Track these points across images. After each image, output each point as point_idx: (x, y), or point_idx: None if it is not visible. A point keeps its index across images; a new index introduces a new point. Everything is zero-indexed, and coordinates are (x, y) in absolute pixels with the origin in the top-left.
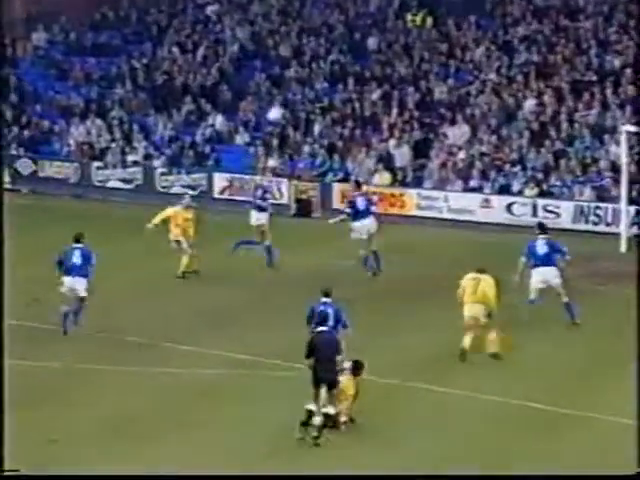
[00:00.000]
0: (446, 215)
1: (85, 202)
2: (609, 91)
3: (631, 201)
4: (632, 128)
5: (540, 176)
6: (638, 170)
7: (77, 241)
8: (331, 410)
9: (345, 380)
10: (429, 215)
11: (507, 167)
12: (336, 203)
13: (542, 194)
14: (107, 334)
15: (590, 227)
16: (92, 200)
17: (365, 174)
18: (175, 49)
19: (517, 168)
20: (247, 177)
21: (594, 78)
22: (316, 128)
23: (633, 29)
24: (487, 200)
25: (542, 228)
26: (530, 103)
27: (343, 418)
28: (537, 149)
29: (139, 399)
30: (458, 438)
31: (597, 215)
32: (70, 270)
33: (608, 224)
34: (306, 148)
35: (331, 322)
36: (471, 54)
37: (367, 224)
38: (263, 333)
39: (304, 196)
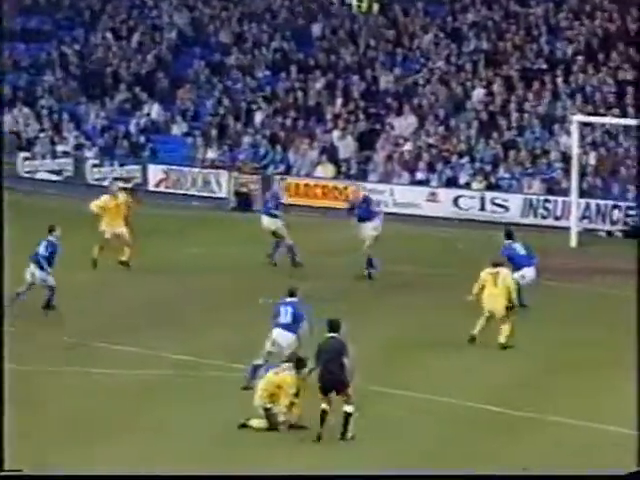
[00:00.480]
0: (392, 209)
1: (12, 194)
2: (560, 80)
3: (581, 194)
4: (583, 118)
5: (488, 168)
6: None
7: (50, 232)
8: (349, 408)
9: (287, 377)
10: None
11: (455, 159)
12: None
13: (490, 187)
14: (44, 333)
15: (539, 221)
16: (19, 192)
17: (308, 166)
18: (109, 35)
19: (465, 160)
20: (185, 169)
21: (544, 66)
22: (257, 118)
23: (584, 14)
24: (434, 193)
25: (509, 235)
26: (479, 92)
27: (282, 417)
28: (486, 140)
29: (82, 401)
30: (416, 440)
31: (546, 208)
32: (36, 260)
33: (557, 218)
34: (247, 139)
35: (284, 319)
36: (419, 41)
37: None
38: (205, 332)
39: (244, 189)
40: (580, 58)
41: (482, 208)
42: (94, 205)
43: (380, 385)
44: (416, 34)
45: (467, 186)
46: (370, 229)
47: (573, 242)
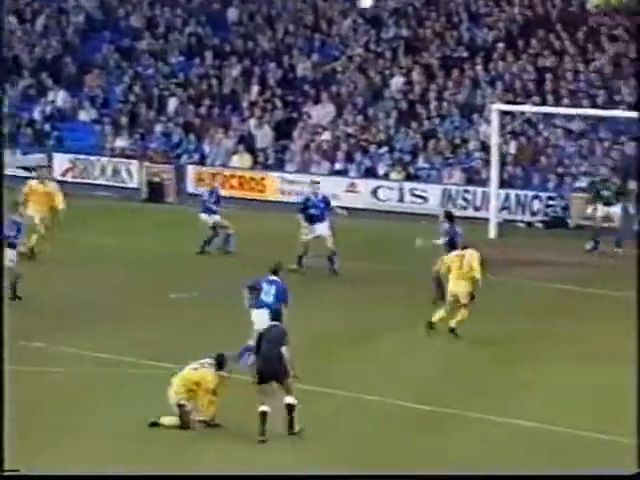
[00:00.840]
0: None
1: None
2: (479, 67)
3: (501, 184)
4: (503, 106)
5: (407, 158)
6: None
7: None
8: (291, 400)
9: (207, 374)
10: (292, 200)
11: (373, 149)
12: (191, 187)
13: (409, 177)
14: None
15: (458, 212)
16: None
17: (223, 156)
18: (12, 19)
19: (384, 150)
20: (92, 158)
21: (465, 54)
22: (170, 105)
23: (504, 1)
24: (352, 184)
25: (451, 217)
26: (398, 81)
27: (198, 416)
28: (405, 129)
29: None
30: (349, 439)
31: (465, 199)
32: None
33: (477, 208)
34: (159, 127)
35: (267, 298)
36: (337, 28)
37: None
38: (124, 327)
39: (156, 179)
40: (500, 45)
41: (401, 199)
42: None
43: (309, 384)
44: (335, 20)
45: (386, 177)
46: (327, 228)
47: (492, 233)
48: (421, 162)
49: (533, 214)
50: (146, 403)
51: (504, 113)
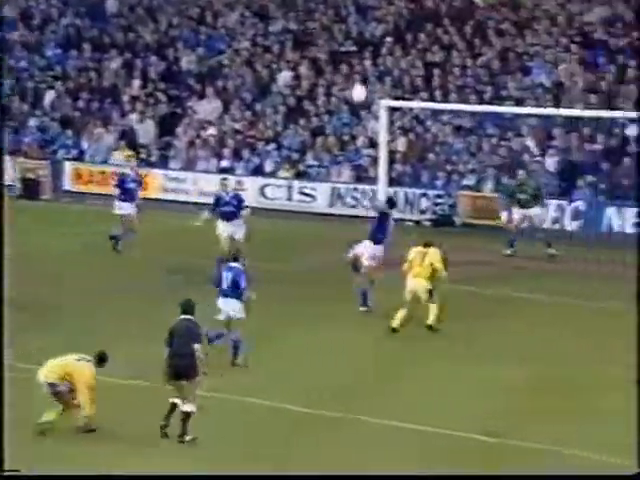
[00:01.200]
0: (195, 198)
1: None
2: (368, 62)
3: (390, 182)
4: (392, 103)
5: (296, 156)
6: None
7: None
8: (188, 407)
9: (85, 368)
10: (176, 199)
11: (261, 146)
12: (68, 184)
13: (298, 175)
14: None
15: (347, 210)
16: None
17: (104, 152)
18: None
19: (272, 147)
20: None
21: (353, 48)
22: (46, 99)
23: None
24: (239, 182)
25: (392, 203)
26: (286, 75)
27: (84, 412)
28: (293, 126)
29: None
30: (208, 440)
31: (354, 198)
32: None
33: (366, 207)
34: (33, 121)
35: (224, 285)
36: (224, 20)
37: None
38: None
39: (31, 175)
40: (389, 40)
41: (289, 198)
42: None
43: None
44: (221, 12)
45: (274, 175)
46: (238, 226)
47: None
48: (310, 160)
49: (422, 212)
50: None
51: (393, 109)
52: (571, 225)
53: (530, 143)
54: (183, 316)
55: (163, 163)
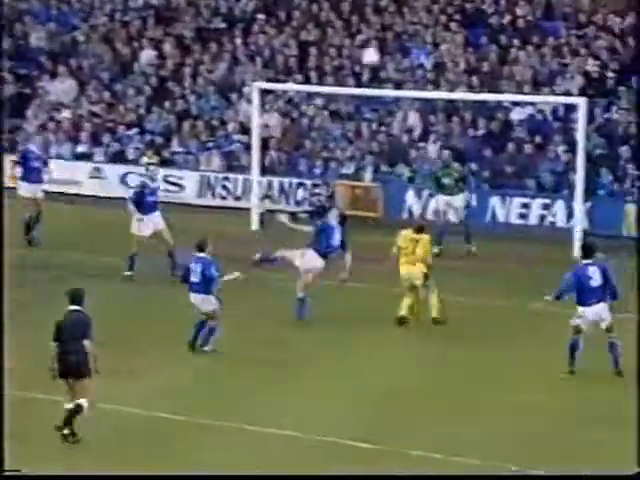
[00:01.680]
0: (48, 187)
1: None
2: (239, 41)
3: (264, 170)
4: (265, 85)
5: (160, 141)
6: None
7: None
8: (82, 402)
9: None
10: None
11: (122, 130)
12: None
13: (163, 163)
14: None
15: (218, 202)
16: None
17: None
18: None
19: (134, 131)
20: None
21: (222, 25)
22: None
23: None
24: (98, 169)
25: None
26: (148, 54)
27: None
28: (157, 109)
29: None
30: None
31: (225, 187)
32: None
33: (238, 198)
34: None
35: (194, 279)
36: None
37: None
38: None
39: None
40: (261, 17)
41: None
42: None
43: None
44: None
45: (136, 162)
46: (160, 218)
47: (255, 225)
48: (175, 146)
49: (298, 203)
50: None
51: (265, 92)
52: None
53: (413, 126)
54: (71, 307)
55: (11, 148)
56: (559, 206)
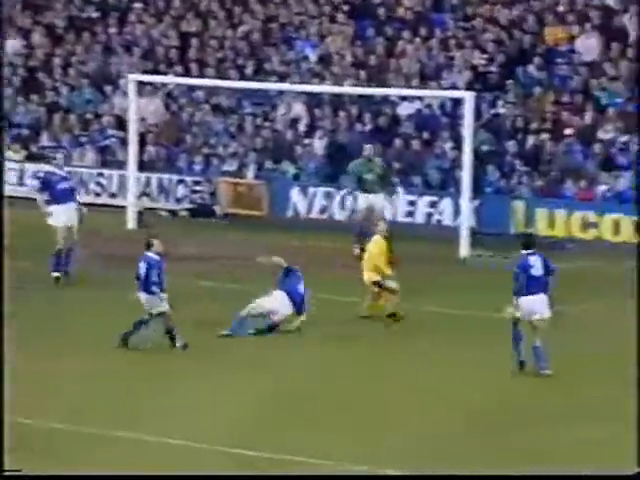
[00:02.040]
0: None
1: None
2: (114, 31)
3: (141, 166)
4: (142, 77)
5: (28, 134)
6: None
7: None
8: None
9: None
10: None
11: None
12: None
13: (31, 158)
14: None
15: (92, 199)
16: None
17: None
18: None
19: None
20: None
21: (95, 14)
22: None
23: None
24: None
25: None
26: (15, 43)
27: None
28: (25, 101)
29: None
30: None
31: (100, 184)
32: None
33: (113, 195)
34: None
35: (142, 277)
36: None
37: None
38: None
39: None
40: (138, 5)
41: (21, 182)
42: None
43: None
44: None
45: (1, 156)
46: (75, 210)
47: (131, 223)
48: (45, 140)
49: (178, 201)
50: None
51: (143, 84)
52: (341, 214)
53: (298, 120)
54: None
55: None
56: (446, 204)
